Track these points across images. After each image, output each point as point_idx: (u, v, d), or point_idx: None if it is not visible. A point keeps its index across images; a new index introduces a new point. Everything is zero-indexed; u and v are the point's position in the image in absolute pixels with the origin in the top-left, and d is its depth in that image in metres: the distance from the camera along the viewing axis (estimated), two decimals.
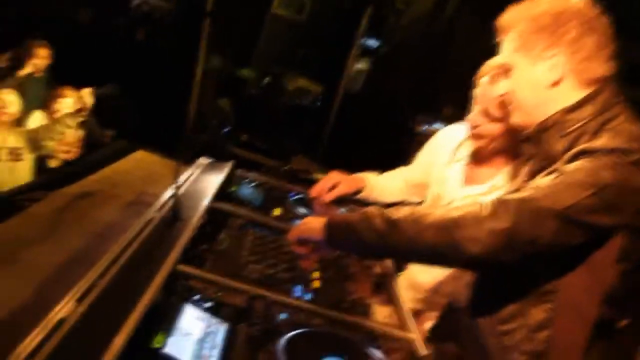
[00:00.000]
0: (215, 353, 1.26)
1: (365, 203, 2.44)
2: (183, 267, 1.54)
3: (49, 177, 3.70)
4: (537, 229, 1.27)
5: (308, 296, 1.68)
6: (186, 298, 1.39)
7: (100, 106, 4.83)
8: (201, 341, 1.27)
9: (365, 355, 1.45)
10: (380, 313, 1.79)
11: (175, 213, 1.76)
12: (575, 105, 1.41)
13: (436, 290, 2.22)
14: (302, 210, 2.35)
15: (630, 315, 1.42)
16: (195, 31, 6.14)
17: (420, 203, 2.45)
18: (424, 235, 1.33)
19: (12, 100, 4.04)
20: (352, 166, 2.67)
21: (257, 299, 1.51)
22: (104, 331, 1.12)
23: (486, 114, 1.97)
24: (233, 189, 2.35)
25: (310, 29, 7.46)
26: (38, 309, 1.25)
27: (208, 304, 1.41)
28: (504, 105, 1.67)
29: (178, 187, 1.79)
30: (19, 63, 4.72)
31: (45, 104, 4.58)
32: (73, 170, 3.09)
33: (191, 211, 1.86)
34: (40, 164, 4.33)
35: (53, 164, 4.47)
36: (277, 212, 2.26)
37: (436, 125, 5.60)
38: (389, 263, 2.14)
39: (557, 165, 1.36)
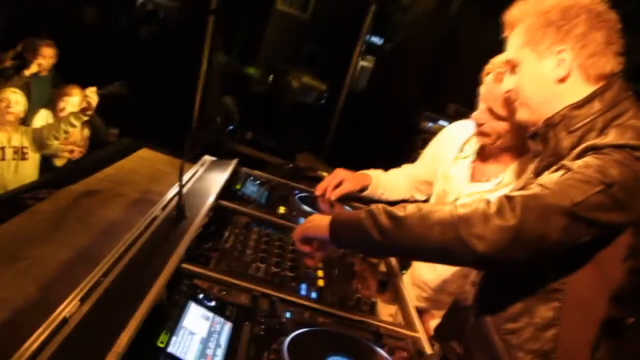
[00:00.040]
0: (220, 352, 1.25)
1: (370, 200, 2.44)
2: (187, 266, 1.53)
3: (53, 176, 3.71)
4: (544, 226, 1.26)
5: (313, 295, 1.67)
6: (190, 297, 1.38)
7: (108, 104, 4.85)
8: (205, 340, 1.26)
9: (370, 354, 1.44)
10: (385, 311, 1.79)
11: (180, 211, 1.76)
12: (582, 102, 1.40)
13: (441, 288, 2.21)
14: (307, 208, 2.35)
15: (638, 313, 1.40)
16: (199, 29, 6.17)
17: (425, 200, 2.45)
18: (430, 232, 1.32)
19: (17, 100, 4.05)
20: (357, 163, 2.67)
21: (262, 298, 1.50)
22: (107, 330, 1.12)
23: (491, 112, 1.96)
24: (238, 186, 2.35)
25: (315, 26, 7.45)
26: (43, 307, 1.26)
27: (212, 303, 1.41)
28: (509, 103, 1.66)
29: (182, 185, 1.78)
30: (24, 62, 4.72)
31: (51, 103, 4.60)
32: (78, 169, 3.10)
33: (196, 209, 1.86)
34: (46, 163, 4.34)
35: (59, 163, 4.48)
36: (282, 210, 2.26)
37: (441, 123, 5.59)
38: (393, 261, 2.14)
39: (565, 161, 1.35)
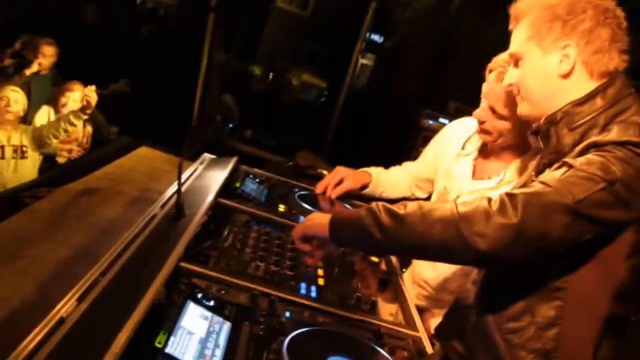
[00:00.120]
0: (219, 353, 1.24)
1: (371, 198, 2.43)
2: (186, 264, 1.52)
3: (52, 174, 3.69)
4: (546, 224, 1.25)
5: (313, 294, 1.66)
6: (189, 296, 1.37)
7: (112, 102, 4.85)
8: (204, 340, 1.25)
9: (371, 353, 1.43)
10: (386, 310, 1.78)
11: (179, 209, 1.75)
12: (585, 98, 1.39)
13: (442, 287, 2.20)
14: (306, 206, 2.33)
15: None
16: (199, 27, 6.15)
17: (426, 198, 2.44)
18: (431, 230, 1.31)
19: (16, 98, 4.04)
20: (357, 161, 2.66)
21: (261, 297, 1.49)
22: (105, 330, 1.11)
23: (493, 110, 1.96)
24: (237, 185, 2.34)
25: (315, 23, 7.44)
26: (40, 306, 1.25)
27: (211, 302, 1.40)
28: (511, 100, 1.65)
29: (181, 184, 1.77)
30: (24, 61, 4.72)
31: (52, 101, 4.59)
32: (77, 167, 3.09)
33: (195, 207, 1.85)
34: (48, 161, 4.34)
35: (61, 160, 4.48)
36: (281, 208, 2.25)
37: (441, 120, 5.58)
38: (394, 260, 2.13)
39: (567, 159, 1.33)
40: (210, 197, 1.99)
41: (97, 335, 1.11)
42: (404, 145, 5.76)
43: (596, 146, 1.31)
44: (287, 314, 1.48)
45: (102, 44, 5.96)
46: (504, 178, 2.01)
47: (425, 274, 2.25)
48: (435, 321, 2.05)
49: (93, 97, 4.03)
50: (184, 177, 2.12)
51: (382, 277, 1.93)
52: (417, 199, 2.47)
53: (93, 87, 4.07)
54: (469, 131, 2.20)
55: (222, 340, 1.29)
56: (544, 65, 1.43)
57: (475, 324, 1.55)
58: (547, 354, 1.38)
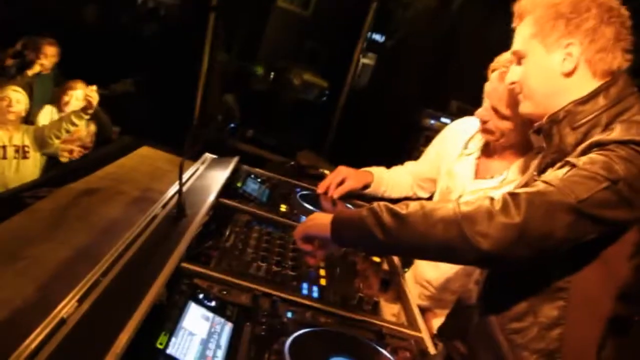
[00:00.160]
0: (220, 354, 1.24)
1: (373, 198, 2.42)
2: (187, 265, 1.52)
3: (53, 174, 3.70)
4: (549, 224, 1.24)
5: (315, 294, 1.65)
6: (190, 296, 1.36)
7: (116, 102, 4.84)
8: (205, 341, 1.24)
9: (373, 354, 1.42)
10: (388, 311, 1.77)
11: (180, 209, 1.74)
12: (587, 97, 1.38)
13: (444, 287, 2.20)
14: (308, 206, 2.33)
15: None
16: (200, 27, 6.15)
17: (429, 198, 2.44)
18: (433, 230, 1.30)
19: (18, 99, 4.05)
20: (359, 161, 2.65)
21: (263, 298, 1.49)
22: (106, 331, 1.10)
23: (495, 110, 1.96)
24: (238, 184, 2.33)
25: (316, 23, 7.43)
26: (41, 307, 1.24)
27: (212, 303, 1.39)
28: (513, 99, 1.65)
29: (183, 184, 1.76)
30: (26, 62, 4.72)
31: (54, 99, 4.59)
32: (78, 167, 3.09)
33: (196, 207, 1.84)
34: (51, 160, 4.34)
35: (64, 160, 4.48)
36: (283, 208, 2.24)
37: (443, 120, 5.57)
38: (396, 260, 2.12)
39: (570, 158, 1.33)
40: (211, 197, 1.98)
41: (98, 336, 1.10)
42: (406, 144, 5.75)
43: (599, 145, 1.30)
44: (289, 314, 1.47)
45: (103, 44, 5.96)
46: (507, 177, 2.00)
47: (428, 274, 2.24)
48: (437, 321, 2.04)
49: (94, 97, 4.03)
50: (185, 177, 2.11)
51: (384, 277, 1.92)
52: (419, 198, 2.46)
53: (94, 87, 4.07)
54: (471, 130, 2.20)
55: (224, 341, 1.28)
56: (547, 63, 1.42)
57: (478, 324, 1.54)
58: (551, 354, 1.38)
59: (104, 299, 1.23)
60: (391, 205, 1.38)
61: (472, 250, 1.27)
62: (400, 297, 1.87)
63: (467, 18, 6.01)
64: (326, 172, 2.93)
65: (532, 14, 1.45)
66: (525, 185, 1.46)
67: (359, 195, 2.51)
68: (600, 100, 1.38)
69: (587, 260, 1.33)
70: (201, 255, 1.65)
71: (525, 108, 1.52)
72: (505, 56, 1.90)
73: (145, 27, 7.24)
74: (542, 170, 1.48)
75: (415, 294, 2.13)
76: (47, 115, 4.49)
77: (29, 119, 4.37)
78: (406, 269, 2.33)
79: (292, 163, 3.22)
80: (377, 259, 2.05)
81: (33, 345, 1.08)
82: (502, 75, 1.88)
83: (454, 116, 4.77)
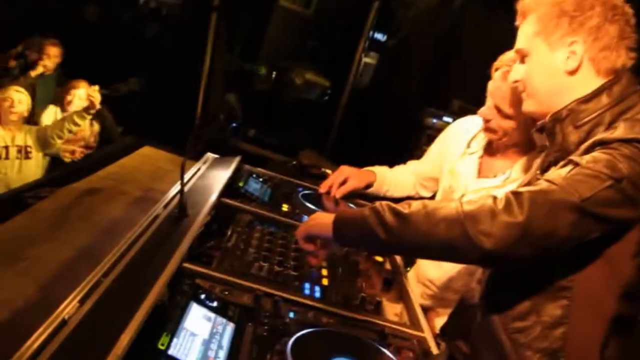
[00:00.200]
0: (222, 354, 1.23)
1: (375, 197, 2.42)
2: (189, 265, 1.51)
3: (55, 174, 3.70)
4: (552, 223, 1.24)
5: (317, 294, 1.65)
6: (192, 297, 1.36)
7: (123, 102, 4.85)
8: (207, 342, 1.24)
9: (376, 354, 1.42)
10: (391, 310, 1.77)
11: (182, 209, 1.74)
12: (590, 96, 1.38)
13: (447, 286, 2.19)
14: (310, 205, 2.32)
15: None
16: (202, 26, 6.15)
17: (431, 197, 2.43)
18: (435, 229, 1.30)
19: (20, 99, 4.06)
20: (361, 160, 2.65)
21: (265, 298, 1.48)
22: (107, 331, 1.10)
23: (498, 109, 1.95)
24: (240, 184, 2.33)
25: (318, 22, 7.42)
26: (43, 307, 1.24)
27: (214, 303, 1.39)
28: (516, 98, 1.64)
29: (184, 184, 1.76)
30: (29, 63, 4.73)
31: (58, 101, 4.60)
32: (80, 167, 3.09)
33: (198, 207, 1.84)
34: (54, 160, 4.35)
35: (67, 161, 4.49)
36: (285, 207, 2.24)
37: (445, 119, 5.57)
38: (398, 259, 2.12)
39: (573, 157, 1.32)
40: (213, 197, 1.98)
41: (100, 336, 1.10)
42: (408, 144, 5.74)
43: (602, 144, 1.29)
44: (291, 314, 1.47)
45: (105, 44, 5.96)
46: (510, 176, 2.00)
47: (430, 273, 2.24)
48: (440, 321, 2.04)
49: (96, 97, 4.04)
50: (187, 176, 2.11)
51: (386, 277, 1.91)
52: (421, 198, 2.46)
53: (96, 87, 4.08)
54: (474, 129, 2.19)
55: (226, 341, 1.28)
56: (551, 61, 1.42)
57: (480, 323, 1.53)
58: (554, 354, 1.37)
59: (105, 300, 1.23)
60: (393, 205, 1.38)
61: (475, 249, 1.26)
62: (403, 296, 1.86)
63: (469, 17, 6.00)
64: (328, 171, 2.92)
65: (536, 12, 1.44)
66: (528, 184, 1.45)
67: (361, 195, 2.50)
68: (603, 99, 1.37)
69: (591, 259, 1.32)
70: (203, 256, 1.65)
71: (528, 106, 1.51)
72: (509, 55, 1.90)
73: (147, 27, 7.24)
74: (544, 169, 1.47)
75: (417, 293, 2.12)
76: (50, 115, 4.50)
77: (32, 119, 4.38)
78: (408, 268, 2.33)
79: (294, 162, 3.22)
80: (379, 259, 2.04)
81: (34, 346, 1.08)
82: (505, 74, 1.87)
83: (456, 115, 4.76)
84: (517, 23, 1.52)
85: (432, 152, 2.44)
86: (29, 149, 4.11)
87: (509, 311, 1.44)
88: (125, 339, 1.07)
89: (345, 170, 2.46)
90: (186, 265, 1.50)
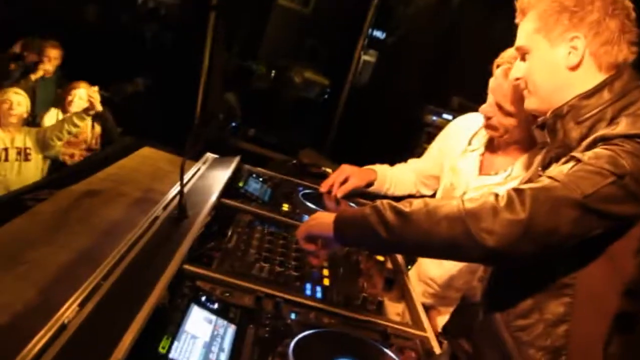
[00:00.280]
0: (223, 357, 1.23)
1: (376, 196, 2.41)
2: (189, 267, 1.50)
3: (54, 176, 3.70)
4: (555, 219, 1.23)
5: (318, 294, 1.64)
6: (192, 299, 1.35)
7: (116, 103, 4.84)
8: (208, 344, 1.23)
9: (378, 355, 1.41)
10: (393, 310, 1.76)
11: (181, 210, 1.73)
12: (592, 91, 1.37)
13: (448, 284, 2.18)
14: (310, 205, 2.32)
15: None
16: (201, 26, 6.14)
17: (432, 195, 2.42)
18: (437, 228, 1.29)
19: (19, 101, 4.05)
20: (361, 159, 2.64)
21: (266, 299, 1.48)
22: (107, 335, 1.09)
23: (500, 107, 1.95)
24: (240, 184, 2.32)
25: (317, 20, 7.42)
26: (43, 311, 1.24)
27: (215, 305, 1.38)
28: (517, 97, 1.63)
29: (184, 184, 1.75)
30: (30, 67, 4.72)
31: (58, 101, 4.60)
32: (79, 169, 3.08)
33: (198, 208, 1.83)
34: (55, 162, 4.35)
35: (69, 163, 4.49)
36: (285, 207, 2.23)
37: (445, 116, 5.56)
38: (400, 258, 2.11)
39: (575, 153, 1.32)
40: (213, 198, 1.97)
41: (100, 340, 1.09)
42: (407, 141, 5.74)
43: (604, 140, 1.29)
44: (293, 315, 1.46)
45: (103, 44, 5.96)
46: (511, 173, 1.99)
47: (431, 272, 2.23)
48: (442, 319, 2.03)
49: (96, 98, 4.04)
50: (186, 177, 2.11)
51: (388, 276, 1.91)
52: (422, 196, 2.45)
53: (96, 88, 4.08)
54: (475, 127, 2.19)
55: (227, 344, 1.27)
56: (552, 57, 1.41)
57: (483, 321, 1.53)
58: (557, 351, 1.37)
59: (105, 303, 1.22)
60: (394, 203, 1.37)
61: (477, 247, 1.26)
62: (405, 296, 1.85)
63: (468, 14, 6.00)
64: (328, 170, 2.92)
65: (535, 8, 1.44)
66: (529, 180, 1.44)
67: (362, 194, 2.50)
68: (604, 94, 1.36)
69: (593, 256, 1.31)
70: (203, 257, 1.64)
71: (530, 104, 1.50)
72: (510, 52, 1.89)
73: (146, 27, 7.24)
74: (546, 166, 1.46)
75: (419, 292, 2.12)
76: (52, 117, 4.50)
77: (35, 121, 4.38)
78: (409, 267, 2.32)
79: (294, 161, 3.21)
80: (380, 258, 2.04)
81: (34, 351, 1.08)
82: (506, 72, 1.87)
83: (456, 112, 4.76)
84: (516, 20, 1.51)
85: (432, 150, 2.44)
86: (28, 151, 4.10)
87: (511, 309, 1.43)
88: (125, 342, 1.06)
89: (346, 169, 2.45)
90: (186, 267, 1.50)
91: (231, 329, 1.32)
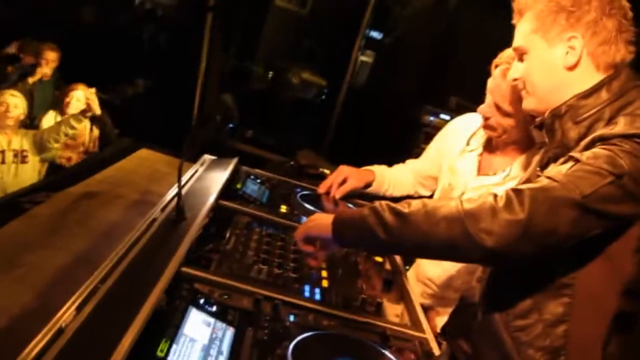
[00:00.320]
0: None
1: (375, 197, 2.41)
2: (187, 269, 1.50)
3: (51, 179, 3.69)
4: (554, 220, 1.23)
5: (317, 296, 1.64)
6: (191, 302, 1.34)
7: (113, 105, 4.84)
8: (207, 347, 1.23)
9: (377, 356, 1.41)
10: (392, 311, 1.75)
11: (179, 212, 1.72)
12: (590, 91, 1.37)
13: (447, 284, 2.18)
14: (309, 206, 2.31)
15: None
16: (198, 27, 6.14)
17: (430, 196, 2.42)
18: (436, 229, 1.29)
19: (16, 103, 4.05)
20: (358, 159, 2.64)
21: (264, 301, 1.47)
22: (105, 339, 1.08)
23: (498, 107, 1.95)
24: (238, 186, 2.32)
25: (314, 21, 7.41)
26: (40, 314, 1.23)
27: (213, 308, 1.37)
28: (516, 97, 1.63)
29: (182, 186, 1.74)
30: (28, 70, 4.72)
31: (56, 103, 4.59)
32: (76, 171, 3.07)
33: (196, 209, 1.83)
34: (51, 167, 4.34)
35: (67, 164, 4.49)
36: (283, 209, 2.23)
37: (442, 117, 5.56)
38: (398, 259, 2.11)
39: (573, 153, 1.32)
40: (211, 199, 1.97)
41: (98, 344, 1.09)
42: (405, 142, 5.74)
43: (602, 140, 1.29)
44: (292, 317, 1.45)
45: (100, 46, 5.95)
46: (510, 173, 1.99)
47: (430, 272, 2.23)
48: (440, 320, 2.03)
49: (94, 100, 4.04)
50: (184, 179, 2.10)
51: (386, 277, 1.90)
52: (420, 197, 2.45)
53: (93, 90, 4.08)
54: (473, 127, 2.19)
55: (226, 346, 1.26)
56: (550, 57, 1.41)
57: (481, 322, 1.53)
58: (556, 351, 1.37)
59: (103, 306, 1.21)
60: (393, 204, 1.37)
61: (476, 247, 1.26)
62: (404, 297, 1.85)
63: (465, 14, 6.00)
64: (326, 171, 2.91)
65: (532, 9, 1.44)
66: (528, 181, 1.45)
67: (360, 195, 2.49)
68: (602, 94, 1.37)
69: (592, 256, 1.31)
70: (201, 259, 1.63)
71: (528, 104, 1.50)
72: (509, 52, 1.89)
73: (143, 28, 7.23)
74: (544, 165, 1.46)
75: (417, 293, 2.11)
76: (50, 120, 4.50)
77: (33, 124, 4.37)
78: (408, 267, 2.32)
79: (292, 163, 3.21)
80: (379, 259, 2.03)
81: (32, 355, 1.07)
82: (505, 72, 1.87)
83: (453, 112, 4.76)
84: (513, 21, 1.51)
85: (430, 150, 2.43)
86: (25, 153, 4.10)
87: (510, 309, 1.43)
88: (123, 346, 1.06)
89: (344, 170, 2.45)
90: (184, 269, 1.49)
91: (230, 332, 1.31)
